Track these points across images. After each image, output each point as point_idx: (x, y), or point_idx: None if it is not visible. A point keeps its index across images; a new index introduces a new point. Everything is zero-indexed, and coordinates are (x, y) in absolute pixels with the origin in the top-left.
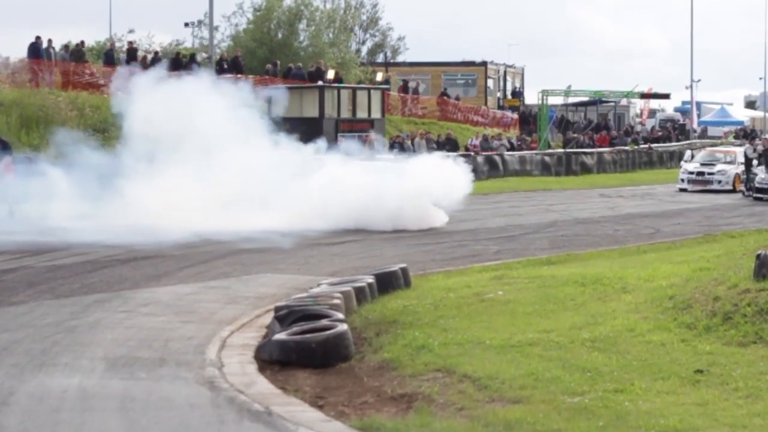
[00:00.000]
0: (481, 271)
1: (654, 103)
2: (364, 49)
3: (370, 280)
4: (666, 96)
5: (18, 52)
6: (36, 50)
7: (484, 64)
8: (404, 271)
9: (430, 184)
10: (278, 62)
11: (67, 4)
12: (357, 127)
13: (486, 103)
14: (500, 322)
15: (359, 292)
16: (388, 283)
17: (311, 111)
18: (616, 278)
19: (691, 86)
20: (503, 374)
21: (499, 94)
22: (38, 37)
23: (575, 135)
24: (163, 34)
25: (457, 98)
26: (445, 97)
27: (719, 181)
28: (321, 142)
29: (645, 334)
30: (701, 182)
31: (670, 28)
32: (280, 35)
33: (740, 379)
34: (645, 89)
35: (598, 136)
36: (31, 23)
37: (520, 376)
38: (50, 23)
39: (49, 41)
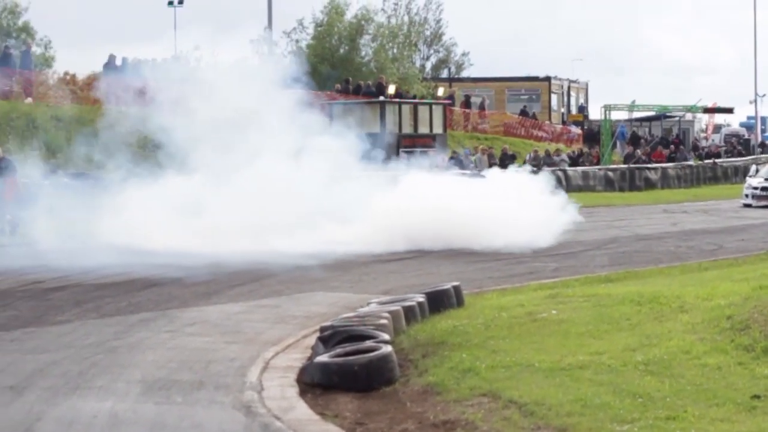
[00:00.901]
0: (536, 289)
1: (720, 119)
2: (428, 65)
3: (421, 299)
4: (729, 110)
5: (85, 69)
6: (111, 67)
7: (547, 79)
8: (457, 289)
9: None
10: (350, 79)
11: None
12: (419, 143)
13: (549, 119)
14: (551, 344)
15: (408, 311)
16: (439, 301)
17: (372, 126)
18: (674, 297)
19: (755, 101)
20: (550, 400)
21: (563, 109)
22: (112, 55)
23: (634, 150)
24: (227, 51)
25: (534, 116)
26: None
27: None
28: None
29: (701, 356)
30: (766, 197)
31: (737, 43)
32: (341, 51)
33: None
34: (709, 104)
35: (654, 152)
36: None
37: (567, 401)
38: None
39: (124, 59)
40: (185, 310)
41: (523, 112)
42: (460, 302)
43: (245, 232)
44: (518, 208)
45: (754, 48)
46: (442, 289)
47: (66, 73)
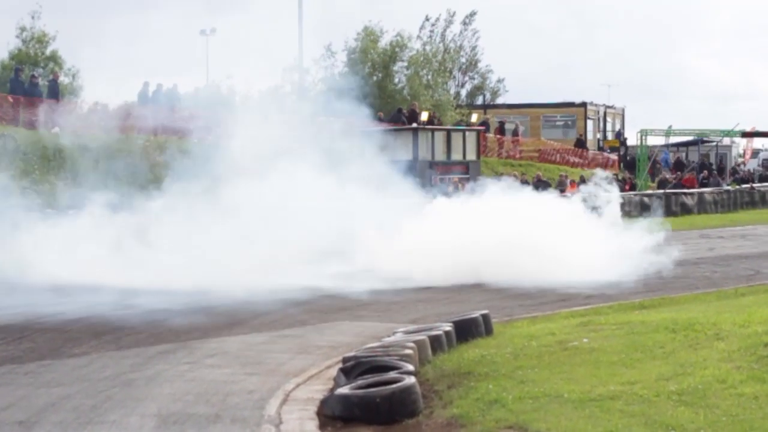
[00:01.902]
0: (567, 316)
1: (758, 143)
2: (463, 92)
3: (448, 327)
4: (767, 134)
5: (117, 99)
6: (144, 96)
7: (583, 105)
8: (485, 317)
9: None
10: (381, 113)
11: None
12: (452, 170)
13: (585, 145)
14: (582, 373)
15: (435, 340)
16: (467, 330)
17: (405, 153)
18: (710, 324)
19: None
20: None
21: (598, 135)
22: (146, 83)
23: (667, 176)
24: (261, 79)
25: (583, 143)
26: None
27: None
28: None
29: (737, 385)
30: None
31: None
32: (375, 78)
33: None
34: (748, 128)
35: (685, 177)
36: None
37: None
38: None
39: (159, 86)
40: (206, 341)
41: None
42: (489, 331)
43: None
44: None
45: None
46: (470, 317)
47: (96, 103)
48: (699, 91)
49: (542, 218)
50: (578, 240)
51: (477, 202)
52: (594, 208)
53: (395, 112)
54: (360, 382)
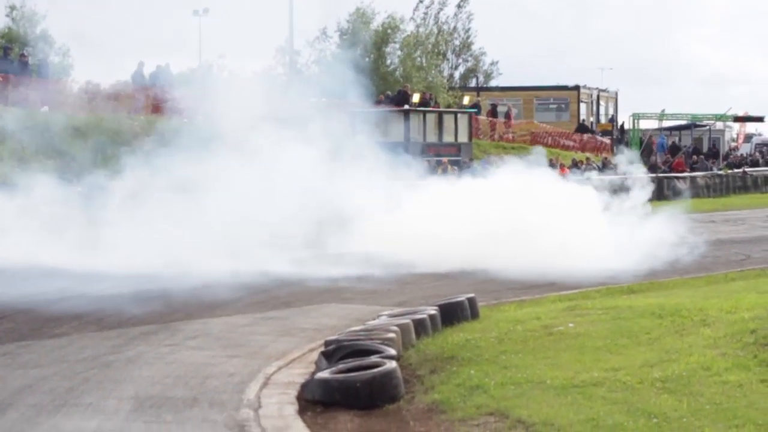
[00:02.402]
0: (555, 301)
1: (751, 128)
2: (457, 74)
3: (433, 311)
4: (760, 119)
5: (109, 78)
6: (139, 76)
7: (576, 88)
8: (471, 301)
9: None
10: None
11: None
12: (443, 152)
13: (587, 129)
14: (566, 359)
15: (419, 324)
16: (453, 314)
17: (396, 135)
18: (697, 309)
19: None
20: (560, 420)
21: (592, 119)
22: (141, 63)
23: (657, 160)
24: (253, 60)
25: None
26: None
27: None
28: None
29: (722, 373)
30: None
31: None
32: (367, 59)
33: None
34: (740, 113)
35: (674, 161)
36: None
37: (578, 422)
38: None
39: (159, 67)
40: (189, 322)
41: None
42: (474, 315)
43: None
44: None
45: None
46: (455, 301)
47: (88, 82)
48: (693, 75)
49: (545, 203)
50: (577, 227)
51: (470, 184)
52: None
53: (397, 93)
54: (341, 366)
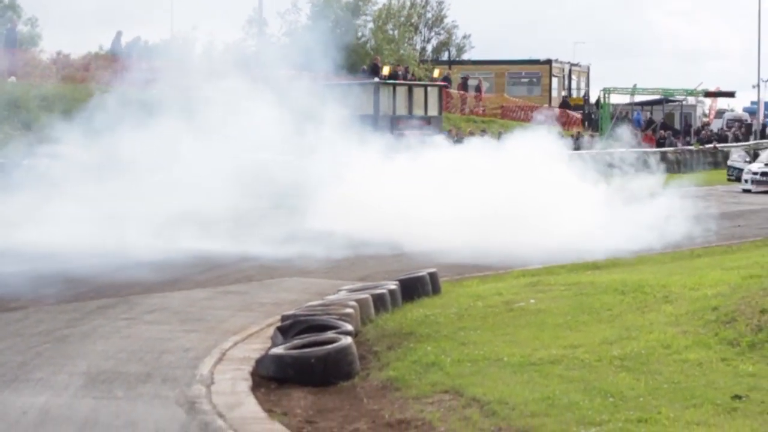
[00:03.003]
0: (518, 276)
1: (723, 103)
2: (429, 47)
3: (393, 286)
4: (731, 94)
5: (79, 49)
6: (117, 46)
7: (548, 62)
8: (433, 276)
9: None
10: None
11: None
12: (413, 125)
13: (550, 102)
14: (525, 336)
15: (378, 299)
16: (413, 289)
17: (366, 108)
18: (660, 286)
19: (758, 85)
20: (515, 398)
21: (563, 93)
22: (119, 32)
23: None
24: (225, 32)
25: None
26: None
27: None
28: None
29: (681, 351)
30: (766, 183)
31: (744, 28)
32: (338, 32)
33: None
34: (713, 88)
35: (643, 135)
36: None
37: (533, 400)
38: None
39: (137, 38)
40: (148, 296)
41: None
42: (436, 290)
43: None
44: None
45: (758, 32)
46: (416, 276)
47: (59, 53)
48: (667, 49)
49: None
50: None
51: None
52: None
53: (372, 66)
54: (296, 341)
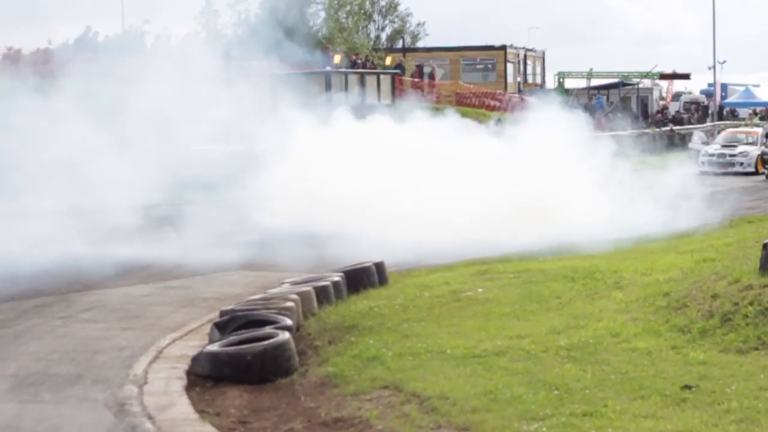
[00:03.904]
0: (467, 264)
1: (680, 86)
2: (384, 35)
3: (337, 278)
4: (686, 77)
5: (30, 45)
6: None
7: (503, 48)
8: (379, 266)
9: None
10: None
11: None
12: (366, 113)
13: (505, 88)
14: (470, 326)
15: (321, 291)
16: (359, 280)
17: (318, 97)
18: (611, 272)
19: (714, 67)
20: (457, 393)
21: (519, 79)
22: (89, 27)
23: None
24: (178, 24)
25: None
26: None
27: (741, 163)
28: None
29: (630, 339)
30: (723, 164)
31: (699, 11)
32: (290, 20)
33: (735, 397)
34: (669, 71)
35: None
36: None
37: (475, 395)
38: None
39: (95, 33)
40: (87, 293)
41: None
42: (383, 281)
43: None
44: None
45: (712, 14)
46: (362, 267)
47: (10, 48)
48: (622, 34)
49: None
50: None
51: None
52: None
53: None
54: (232, 338)
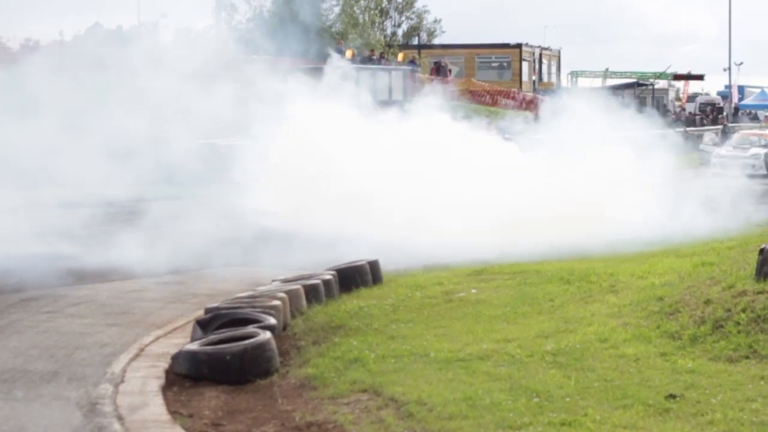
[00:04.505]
0: (464, 264)
1: (697, 87)
2: (400, 32)
3: (329, 276)
4: (700, 77)
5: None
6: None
7: (518, 46)
8: (373, 265)
9: None
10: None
11: None
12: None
13: (520, 86)
14: (458, 329)
15: (311, 290)
16: (351, 279)
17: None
18: (607, 274)
19: (729, 69)
20: (435, 398)
21: (534, 77)
22: (98, 23)
23: None
24: (196, 18)
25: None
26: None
27: (753, 165)
28: None
29: (619, 345)
30: (734, 166)
31: (718, 12)
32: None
33: (719, 408)
34: (686, 72)
35: None
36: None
37: (454, 401)
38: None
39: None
40: (78, 287)
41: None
42: (377, 279)
43: None
44: None
45: (729, 15)
46: (355, 265)
47: (28, 40)
48: (640, 34)
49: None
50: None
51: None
52: None
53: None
54: (212, 336)
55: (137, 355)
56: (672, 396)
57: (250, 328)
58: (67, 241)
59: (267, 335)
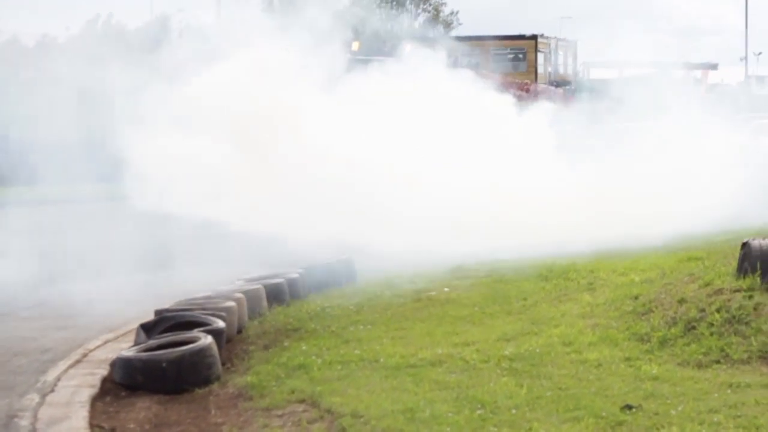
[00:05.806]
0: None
1: (717, 78)
2: (417, 24)
3: (295, 275)
4: (713, 67)
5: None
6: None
7: (534, 37)
8: (347, 263)
9: None
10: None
11: None
12: None
13: (535, 78)
14: (418, 331)
15: (273, 290)
16: (320, 278)
17: None
18: (587, 271)
19: (746, 58)
20: (373, 410)
21: (549, 69)
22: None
23: None
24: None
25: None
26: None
27: None
28: None
29: (582, 349)
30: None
31: (740, 3)
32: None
33: (678, 420)
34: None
35: None
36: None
37: (392, 413)
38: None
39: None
40: (39, 289)
41: None
42: (351, 278)
43: None
44: None
45: (745, 5)
46: (324, 263)
47: (45, 35)
48: (660, 25)
49: None
50: None
51: None
52: None
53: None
54: (152, 342)
55: (78, 362)
56: (629, 407)
57: (195, 332)
58: None
59: (208, 340)
